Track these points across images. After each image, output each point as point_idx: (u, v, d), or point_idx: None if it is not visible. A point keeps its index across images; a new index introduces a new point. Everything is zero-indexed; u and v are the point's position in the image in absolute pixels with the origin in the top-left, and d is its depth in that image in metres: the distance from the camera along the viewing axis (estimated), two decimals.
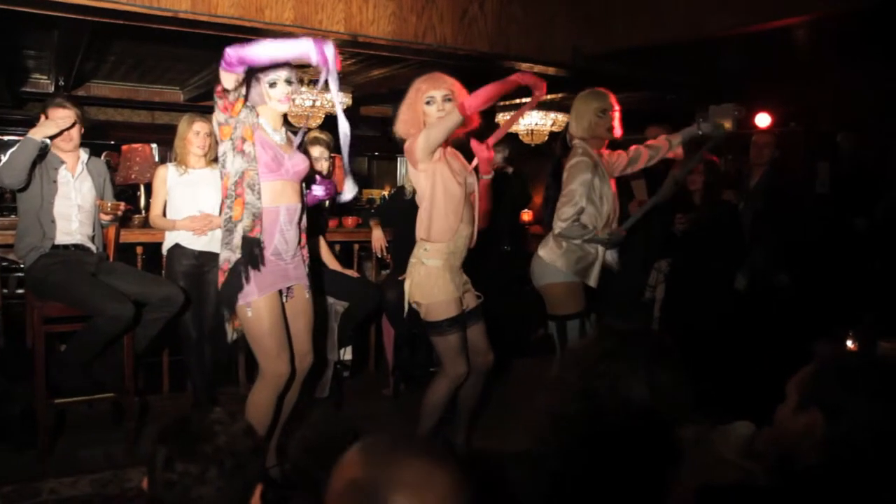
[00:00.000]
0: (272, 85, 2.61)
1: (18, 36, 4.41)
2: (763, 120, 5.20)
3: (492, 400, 3.58)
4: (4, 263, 4.23)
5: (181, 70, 5.71)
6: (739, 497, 1.52)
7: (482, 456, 3.04)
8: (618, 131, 3.35)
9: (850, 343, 3.01)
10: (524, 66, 4.27)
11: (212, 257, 3.64)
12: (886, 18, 3.38)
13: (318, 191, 2.98)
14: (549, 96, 5.87)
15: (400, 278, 3.11)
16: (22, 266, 3.48)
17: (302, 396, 2.91)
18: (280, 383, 2.69)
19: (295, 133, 2.91)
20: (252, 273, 2.61)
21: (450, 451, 0.96)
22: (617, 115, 3.31)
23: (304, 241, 2.81)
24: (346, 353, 3.99)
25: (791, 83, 5.07)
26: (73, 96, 4.05)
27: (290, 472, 2.95)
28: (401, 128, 2.91)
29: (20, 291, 4.72)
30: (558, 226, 3.24)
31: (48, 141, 3.12)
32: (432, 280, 2.88)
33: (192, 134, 3.60)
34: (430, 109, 2.83)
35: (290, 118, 5.28)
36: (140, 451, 3.21)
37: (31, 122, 6.39)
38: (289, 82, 2.64)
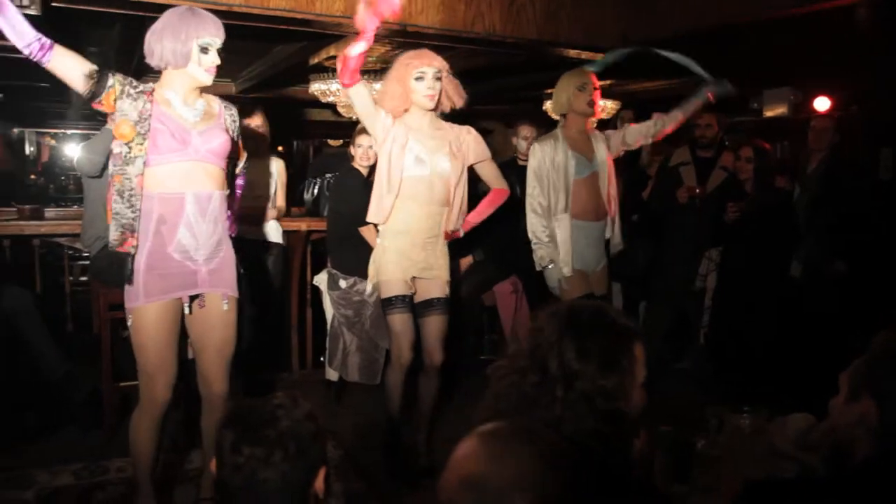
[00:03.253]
0: (204, 50, 2.21)
1: (83, 34, 4.56)
2: (822, 104, 5.05)
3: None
4: (70, 252, 4.41)
5: (233, 62, 5.81)
6: (795, 490, 1.50)
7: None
8: (598, 106, 3.35)
9: None
10: (572, 52, 4.22)
11: (267, 246, 3.75)
12: None
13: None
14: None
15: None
16: (87, 255, 3.63)
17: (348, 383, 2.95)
18: (154, 410, 2.33)
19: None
20: (140, 275, 2.23)
21: (559, 441, 0.95)
22: (598, 93, 3.30)
23: (229, 230, 2.42)
24: None
25: (852, 64, 4.88)
26: None
27: (344, 459, 3.02)
28: (384, 101, 2.85)
29: (83, 279, 4.91)
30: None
31: None
32: (381, 258, 2.93)
33: (242, 127, 3.68)
34: (420, 85, 2.79)
35: (339, 108, 5.32)
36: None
37: (93, 117, 6.62)
38: (219, 54, 2.27)
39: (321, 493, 1.26)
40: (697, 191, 4.08)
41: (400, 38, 3.99)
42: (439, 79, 2.81)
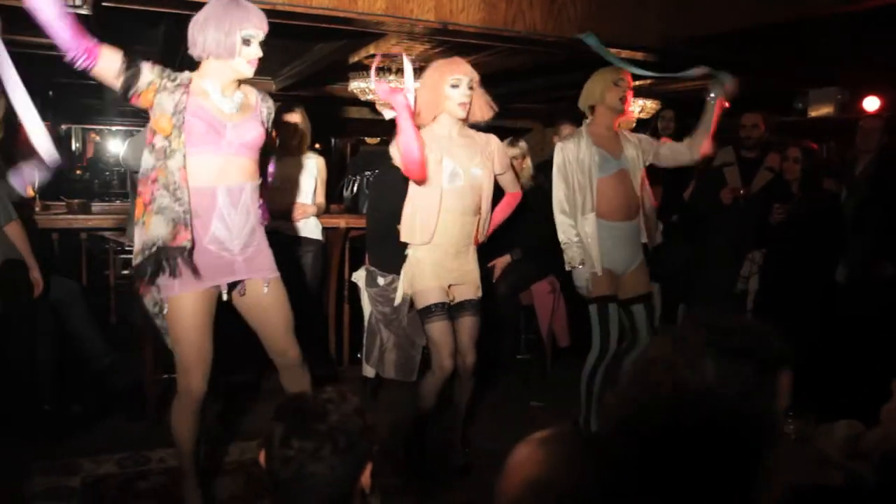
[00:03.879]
0: (247, 42, 2.21)
1: (130, 32, 4.66)
2: (871, 103, 4.92)
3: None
4: (114, 246, 4.50)
5: (274, 60, 5.89)
6: (844, 498, 1.47)
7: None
8: (630, 105, 3.32)
9: None
10: (613, 50, 4.18)
11: (306, 242, 3.79)
12: None
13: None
14: (637, 82, 5.74)
15: (490, 265, 3.11)
16: (131, 249, 3.70)
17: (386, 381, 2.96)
18: (192, 402, 2.34)
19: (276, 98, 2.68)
20: (177, 265, 2.21)
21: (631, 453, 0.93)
22: (631, 94, 3.26)
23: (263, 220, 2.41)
24: None
25: None
26: None
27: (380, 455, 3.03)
28: (421, 113, 2.83)
29: (126, 272, 5.02)
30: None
31: None
32: (415, 269, 2.91)
33: (283, 124, 3.73)
34: (454, 93, 2.77)
35: (377, 107, 5.36)
36: (239, 427, 3.37)
37: (138, 114, 6.77)
38: (261, 47, 2.26)
39: (368, 487, 1.28)
40: (742, 192, 4.02)
41: (440, 37, 4.00)
42: (472, 88, 2.80)
